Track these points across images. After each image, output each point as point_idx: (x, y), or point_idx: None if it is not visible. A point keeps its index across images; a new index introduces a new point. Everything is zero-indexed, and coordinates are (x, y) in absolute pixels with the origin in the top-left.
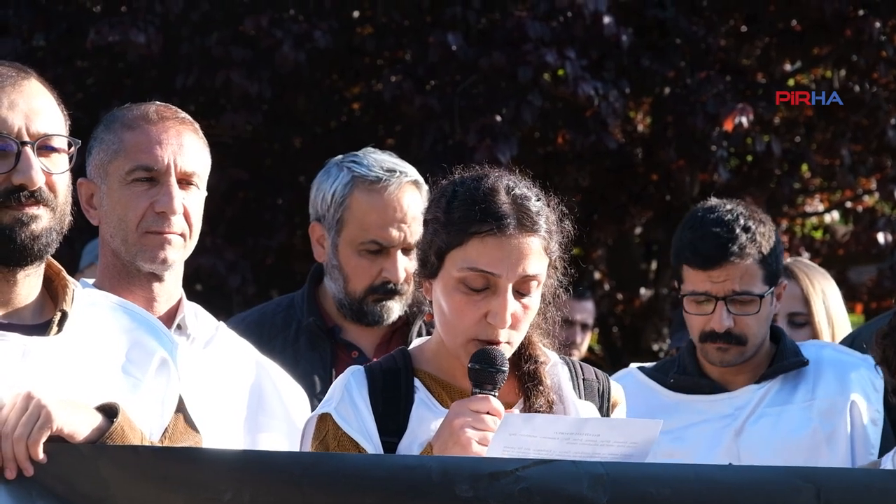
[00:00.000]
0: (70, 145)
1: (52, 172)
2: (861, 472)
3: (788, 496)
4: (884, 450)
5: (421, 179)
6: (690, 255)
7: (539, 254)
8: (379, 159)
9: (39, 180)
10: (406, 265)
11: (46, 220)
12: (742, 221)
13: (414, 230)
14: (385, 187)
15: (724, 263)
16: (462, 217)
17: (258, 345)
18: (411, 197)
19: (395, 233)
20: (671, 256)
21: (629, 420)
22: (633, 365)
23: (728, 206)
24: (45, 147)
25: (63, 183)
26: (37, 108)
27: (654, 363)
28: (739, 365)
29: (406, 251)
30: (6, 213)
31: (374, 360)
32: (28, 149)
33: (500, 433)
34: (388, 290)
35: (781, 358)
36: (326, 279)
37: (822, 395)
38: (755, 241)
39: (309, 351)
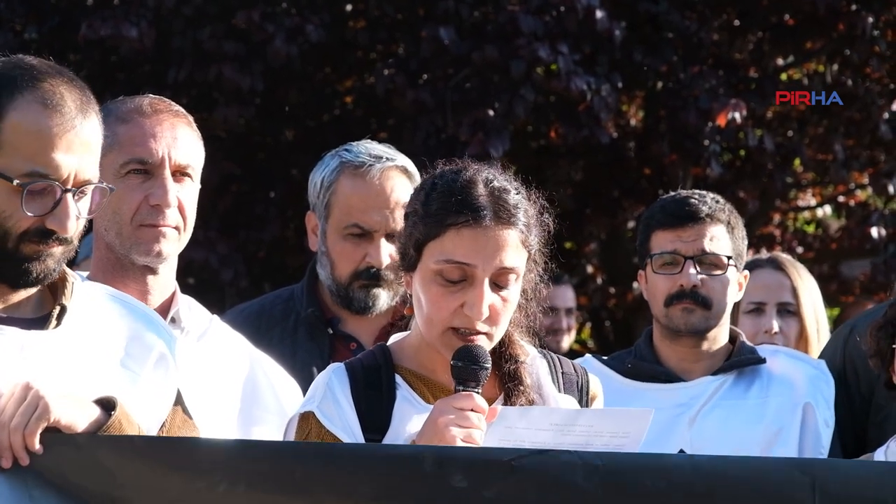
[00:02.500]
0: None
1: (79, 216)
2: (857, 464)
3: (784, 487)
4: (834, 451)
5: (412, 168)
6: (662, 217)
7: (517, 247)
8: (370, 148)
9: (71, 230)
10: (391, 251)
11: (59, 254)
12: (713, 195)
13: (398, 217)
14: (367, 172)
15: (695, 223)
16: (439, 209)
17: (256, 335)
18: (397, 183)
19: (376, 217)
20: (639, 234)
21: (621, 410)
22: (588, 355)
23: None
24: (79, 191)
25: (83, 223)
26: (87, 155)
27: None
28: (697, 350)
29: (390, 237)
30: (28, 246)
31: None
32: (69, 196)
33: (495, 426)
34: (371, 276)
35: (738, 354)
36: (318, 267)
37: (775, 393)
38: (725, 211)
39: (307, 342)
